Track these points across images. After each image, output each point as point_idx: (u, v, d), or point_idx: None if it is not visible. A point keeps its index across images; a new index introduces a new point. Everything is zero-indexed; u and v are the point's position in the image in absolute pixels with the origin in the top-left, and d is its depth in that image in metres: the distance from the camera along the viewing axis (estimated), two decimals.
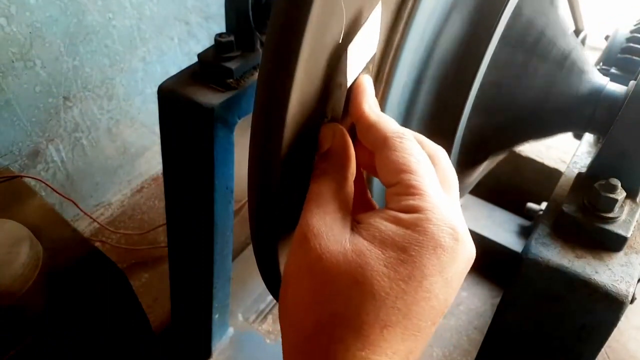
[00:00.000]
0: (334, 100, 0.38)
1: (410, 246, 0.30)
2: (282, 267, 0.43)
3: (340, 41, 0.35)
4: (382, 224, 0.32)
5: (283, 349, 0.34)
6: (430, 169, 0.34)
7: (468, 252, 0.33)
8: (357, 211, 0.38)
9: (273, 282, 0.45)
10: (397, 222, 0.32)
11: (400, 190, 0.33)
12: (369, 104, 0.37)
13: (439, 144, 0.38)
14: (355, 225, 0.33)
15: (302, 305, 0.32)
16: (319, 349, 0.31)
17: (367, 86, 0.38)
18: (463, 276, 0.33)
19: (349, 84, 0.37)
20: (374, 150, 0.35)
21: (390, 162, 0.34)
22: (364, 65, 0.39)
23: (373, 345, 0.30)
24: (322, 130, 0.38)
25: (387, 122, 0.36)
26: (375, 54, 0.41)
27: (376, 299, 0.30)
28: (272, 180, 0.36)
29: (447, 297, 0.32)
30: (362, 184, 0.41)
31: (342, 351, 0.30)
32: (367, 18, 0.37)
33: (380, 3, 0.38)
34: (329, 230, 0.32)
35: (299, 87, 0.33)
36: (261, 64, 0.33)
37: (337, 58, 0.36)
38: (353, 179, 0.37)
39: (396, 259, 0.30)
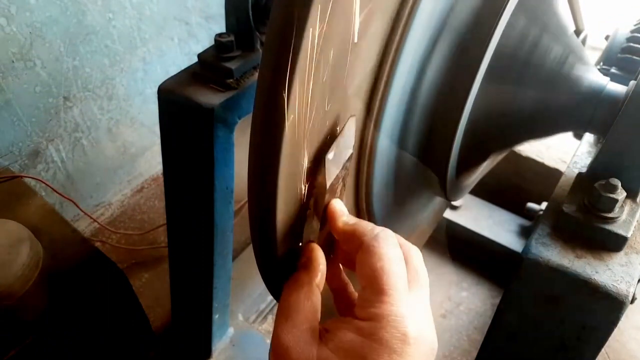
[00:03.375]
0: (315, 197, 0.43)
1: (369, 354, 0.35)
2: (280, 272, 0.44)
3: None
4: (345, 334, 0.37)
5: None
6: (401, 269, 0.39)
7: (424, 348, 0.37)
8: (339, 305, 0.45)
9: (273, 283, 0.45)
10: (358, 331, 0.37)
11: (367, 295, 0.38)
12: (343, 220, 0.43)
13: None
14: (324, 334, 0.38)
15: None
16: None
17: (339, 207, 0.44)
18: None
19: (328, 184, 0.43)
20: (355, 255, 0.40)
21: (364, 266, 0.39)
22: (342, 165, 0.45)
23: None
24: (303, 248, 0.43)
25: (361, 229, 0.41)
26: (352, 153, 0.47)
27: None
28: (272, 181, 0.37)
29: None
30: (342, 282, 0.47)
31: None
32: (342, 129, 0.43)
33: (353, 118, 0.44)
34: (297, 344, 0.37)
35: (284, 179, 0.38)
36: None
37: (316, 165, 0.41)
38: (320, 289, 0.41)
39: None
